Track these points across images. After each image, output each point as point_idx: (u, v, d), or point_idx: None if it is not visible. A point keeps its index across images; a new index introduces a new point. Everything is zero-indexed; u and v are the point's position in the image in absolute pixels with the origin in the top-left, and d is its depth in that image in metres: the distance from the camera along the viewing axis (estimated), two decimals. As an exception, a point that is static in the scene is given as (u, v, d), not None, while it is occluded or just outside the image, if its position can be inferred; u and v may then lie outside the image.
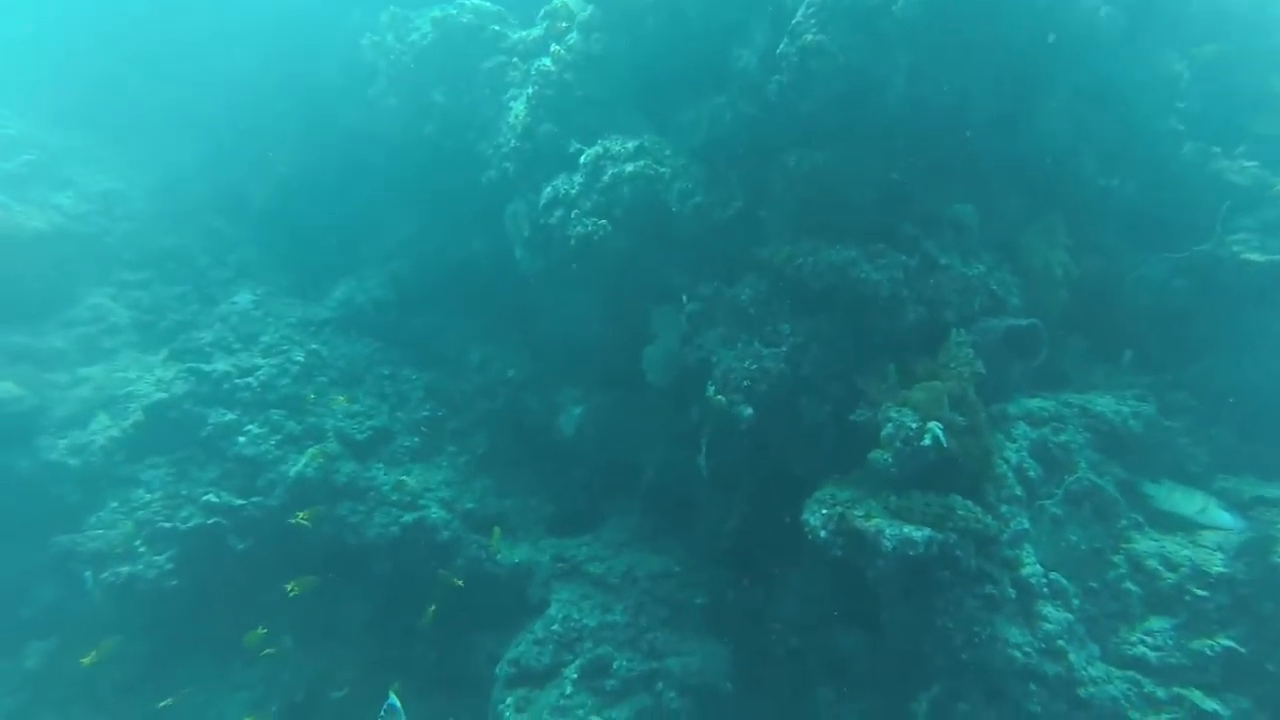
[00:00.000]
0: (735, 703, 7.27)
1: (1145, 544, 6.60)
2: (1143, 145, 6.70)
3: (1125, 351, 6.86)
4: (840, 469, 6.27)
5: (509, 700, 7.04)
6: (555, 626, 7.12)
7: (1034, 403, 7.01)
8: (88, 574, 6.72)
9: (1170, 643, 6.16)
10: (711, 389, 6.06)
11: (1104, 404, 7.05)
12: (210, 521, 6.94)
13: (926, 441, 5.31)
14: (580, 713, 6.72)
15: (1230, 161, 6.57)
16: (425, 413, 8.25)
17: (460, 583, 7.27)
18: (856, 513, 5.68)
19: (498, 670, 7.27)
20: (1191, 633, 6.17)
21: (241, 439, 7.37)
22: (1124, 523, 6.71)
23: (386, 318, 8.52)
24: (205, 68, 9.30)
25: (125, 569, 6.73)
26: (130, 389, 7.62)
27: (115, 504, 7.12)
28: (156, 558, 6.81)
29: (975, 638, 5.94)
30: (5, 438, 7.13)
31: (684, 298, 6.47)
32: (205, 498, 7.06)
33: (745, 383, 5.97)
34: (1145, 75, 6.48)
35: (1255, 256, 6.45)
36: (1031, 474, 6.64)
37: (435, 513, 7.60)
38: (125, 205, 8.88)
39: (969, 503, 5.66)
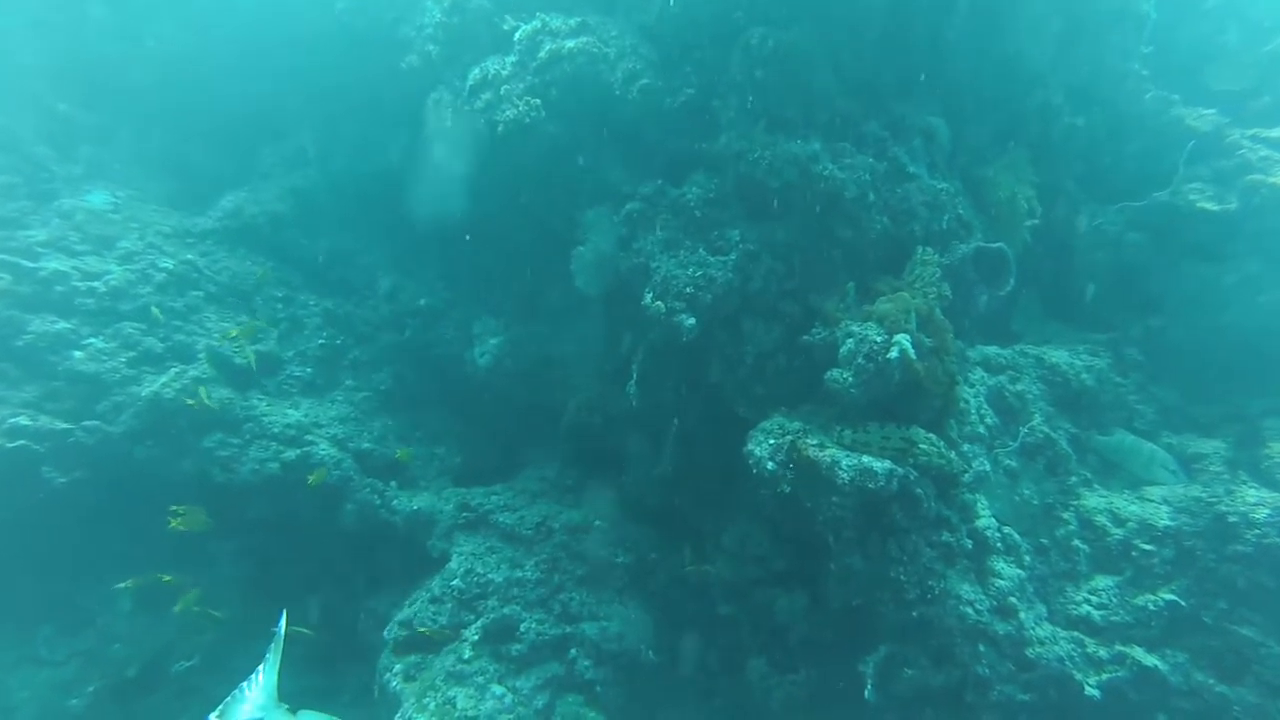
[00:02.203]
0: (657, 675, 6.26)
1: (1094, 500, 6.09)
2: (1107, 85, 6.19)
3: (1088, 286, 6.28)
4: (789, 406, 5.41)
5: (396, 668, 5.80)
6: (455, 582, 5.94)
7: (990, 349, 6.37)
8: None
9: (1114, 600, 5.78)
10: (649, 296, 5.09)
11: (1059, 356, 6.50)
12: (14, 445, 5.37)
13: (893, 354, 4.48)
14: (480, 680, 5.55)
15: (1188, 109, 6.13)
16: (321, 341, 6.92)
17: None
18: (810, 441, 4.80)
19: (386, 633, 6.02)
20: (1136, 588, 5.79)
21: (78, 353, 5.81)
22: (1074, 479, 6.14)
23: (284, 236, 7.16)
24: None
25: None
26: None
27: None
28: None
29: (929, 592, 5.14)
30: None
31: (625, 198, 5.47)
32: (14, 420, 5.50)
33: (689, 290, 5.02)
34: (1115, 10, 5.97)
35: (1210, 205, 6.00)
36: (989, 421, 5.97)
37: (324, 449, 6.29)
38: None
39: (932, 436, 4.86)
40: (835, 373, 4.74)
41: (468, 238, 6.61)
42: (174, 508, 5.65)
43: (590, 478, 6.69)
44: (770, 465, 4.81)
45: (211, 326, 6.47)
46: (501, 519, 6.27)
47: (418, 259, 7.51)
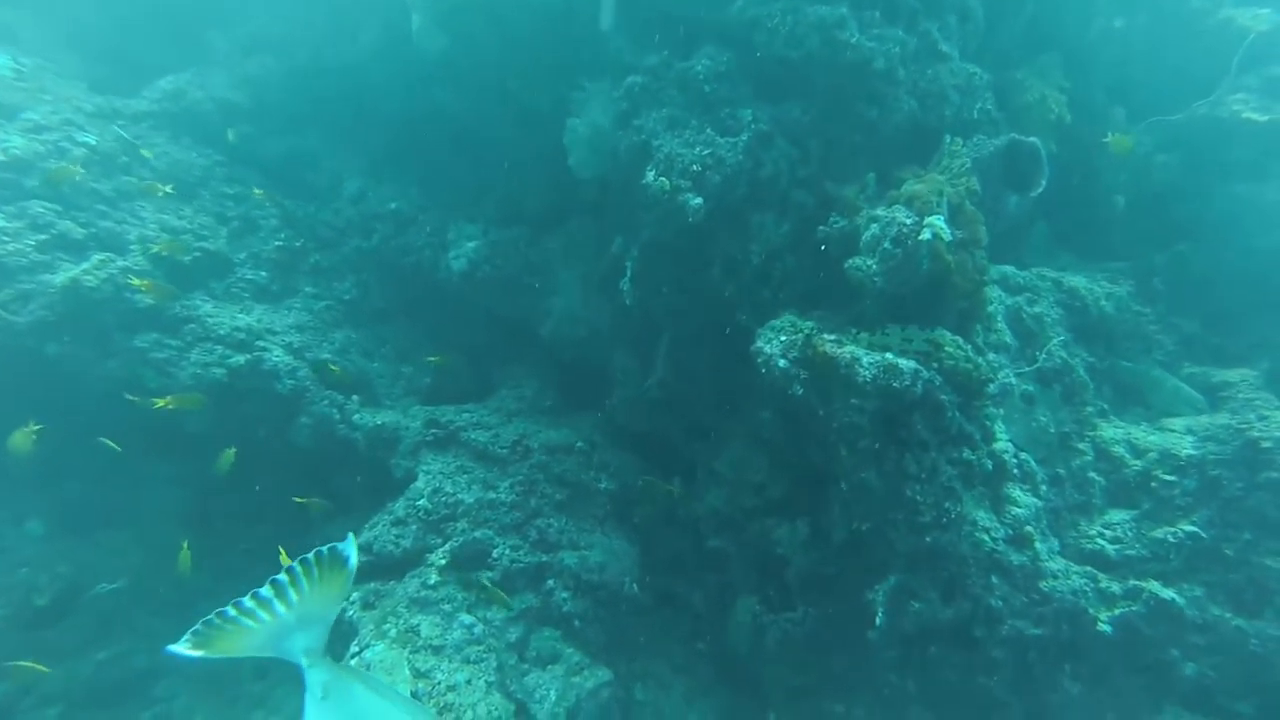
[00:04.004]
0: (640, 612, 5.76)
1: (1111, 431, 5.70)
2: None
3: (1116, 199, 5.85)
4: (798, 312, 4.89)
5: (354, 596, 5.19)
6: (421, 502, 5.33)
7: (1007, 268, 5.92)
8: None
9: (1130, 534, 5.41)
10: (651, 173, 4.48)
11: (1078, 280, 6.08)
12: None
13: (925, 235, 3.95)
14: (447, 608, 4.97)
15: (1240, 9, 5.67)
16: (278, 243, 6.19)
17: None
18: (827, 337, 4.28)
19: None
20: (1153, 521, 5.41)
21: None
22: (1090, 409, 5.75)
23: (239, 129, 6.38)
24: None
25: None
26: None
27: None
28: None
29: (945, 516, 4.68)
30: None
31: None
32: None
33: (695, 168, 4.43)
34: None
35: (1256, 116, 5.58)
36: (1008, 340, 5.53)
37: (276, 356, 5.60)
38: None
39: (958, 339, 4.38)
40: (857, 260, 4.21)
41: (446, 129, 5.93)
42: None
43: (572, 397, 6.12)
44: (782, 363, 4.28)
45: (148, 217, 5.70)
46: (474, 436, 5.66)
47: (387, 163, 6.78)
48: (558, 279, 5.85)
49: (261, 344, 5.63)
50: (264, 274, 6.11)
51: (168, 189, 5.43)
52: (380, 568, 5.24)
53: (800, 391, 4.29)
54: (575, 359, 6.09)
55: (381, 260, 6.41)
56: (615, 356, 5.91)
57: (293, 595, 2.74)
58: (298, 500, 5.47)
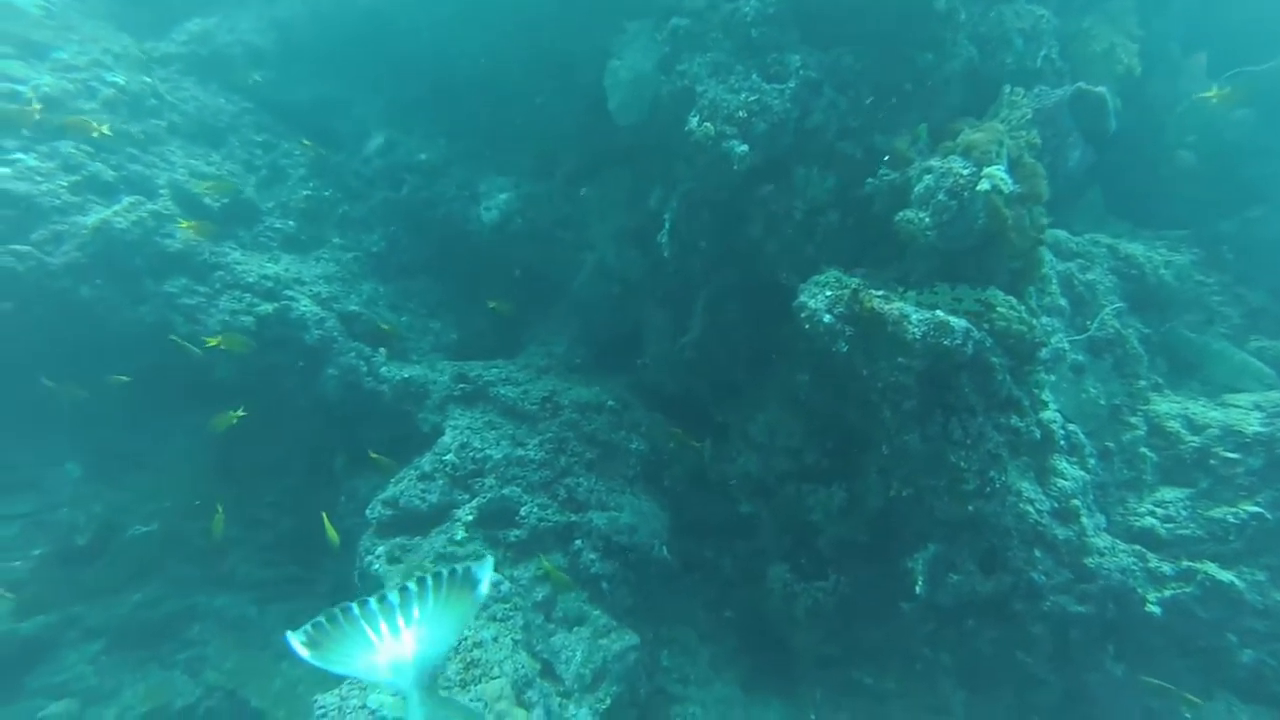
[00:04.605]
0: (670, 577, 5.77)
1: (1167, 406, 5.55)
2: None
3: (1183, 155, 5.62)
4: (842, 270, 4.79)
5: (379, 550, 5.24)
6: (449, 457, 5.35)
7: (1060, 233, 5.75)
8: None
9: (1184, 514, 5.28)
10: (695, 119, 4.39)
11: (1135, 248, 5.90)
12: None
13: (984, 186, 3.82)
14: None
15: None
16: (307, 192, 6.20)
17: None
18: (874, 293, 4.19)
19: (368, 512, 5.45)
20: (1212, 501, 5.27)
21: (4, 169, 4.93)
22: (1143, 382, 5.60)
23: (267, 75, 6.38)
24: None
25: None
26: None
27: None
28: None
29: (989, 485, 4.60)
30: None
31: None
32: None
33: (741, 114, 4.32)
34: None
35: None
36: (1062, 305, 5.39)
37: (304, 306, 5.63)
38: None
39: (1011, 299, 4.26)
40: (908, 214, 4.09)
41: (476, 78, 5.84)
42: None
43: (603, 355, 6.10)
44: (826, 318, 4.20)
45: (177, 161, 5.72)
46: (503, 391, 5.66)
47: (416, 112, 6.70)
48: (591, 232, 5.79)
49: (289, 293, 5.66)
50: (292, 223, 6.12)
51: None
52: (407, 522, 5.29)
53: (844, 349, 4.21)
54: (607, 316, 6.05)
55: (410, 212, 6.39)
56: (648, 314, 5.86)
57: (416, 610, 2.59)
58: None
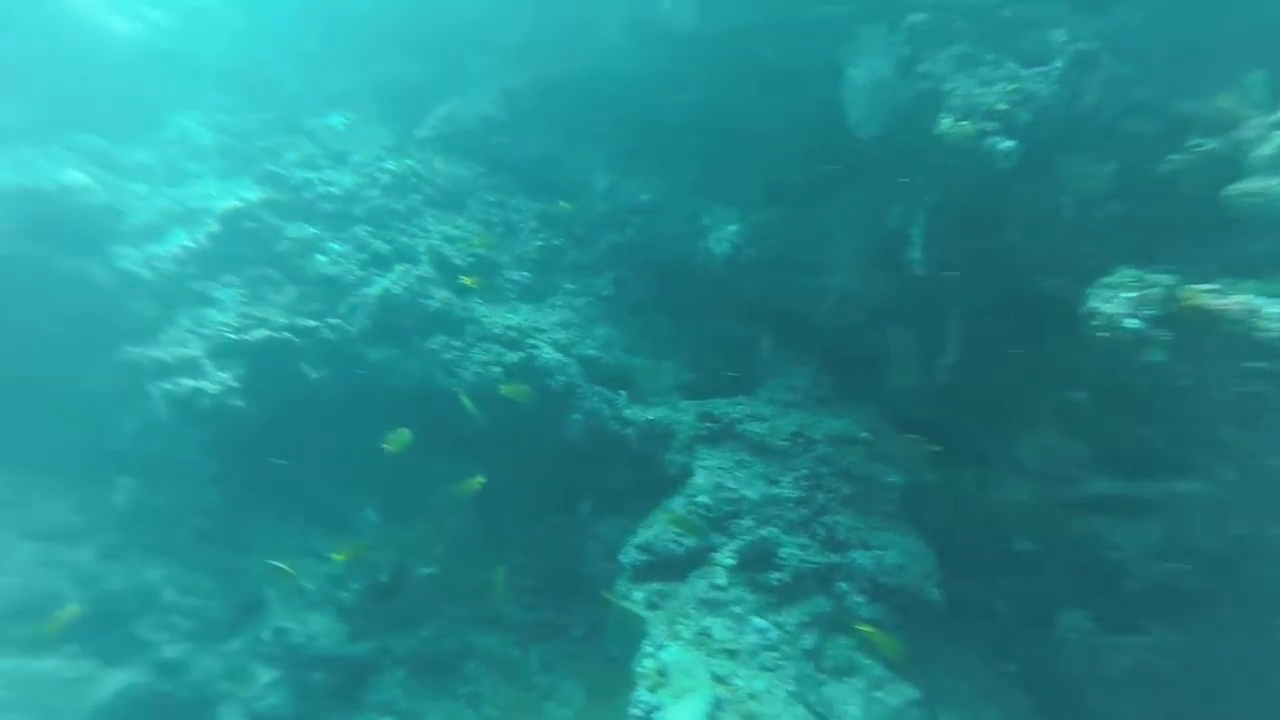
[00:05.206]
0: (944, 620, 5.30)
1: None
2: None
3: None
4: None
5: (638, 596, 5.30)
6: (703, 499, 5.35)
7: None
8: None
9: None
10: (947, 121, 4.10)
11: None
12: (280, 336, 5.66)
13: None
14: (737, 610, 4.93)
15: None
16: (538, 243, 6.69)
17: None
18: (1199, 288, 3.60)
19: (622, 558, 5.57)
20: None
21: (322, 257, 6.05)
22: None
23: (497, 140, 7.01)
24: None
25: (189, 382, 5.57)
26: (209, 204, 6.51)
27: (187, 322, 6.00)
28: (222, 374, 5.60)
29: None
30: (82, 242, 6.26)
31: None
32: (277, 319, 5.80)
33: (1000, 107, 3.97)
34: None
35: None
36: None
37: (547, 354, 6.00)
38: (214, 23, 7.83)
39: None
40: (1243, 186, 3.49)
41: (693, 112, 5.96)
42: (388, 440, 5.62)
43: (849, 385, 5.85)
44: (1131, 324, 3.66)
45: (431, 229, 6.44)
46: (750, 429, 5.59)
47: (634, 155, 7.00)
48: (828, 256, 5.62)
49: (531, 342, 6.07)
50: (527, 274, 6.60)
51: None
52: (663, 567, 5.31)
53: (1160, 358, 3.65)
54: (849, 343, 5.81)
55: (636, 253, 6.63)
56: (893, 337, 5.55)
57: None
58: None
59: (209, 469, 6.36)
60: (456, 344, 5.96)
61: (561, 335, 6.21)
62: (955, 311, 5.17)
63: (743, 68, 5.65)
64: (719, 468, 5.46)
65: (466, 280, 5.92)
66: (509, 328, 6.03)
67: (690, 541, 5.22)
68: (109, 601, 5.70)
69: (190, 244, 6.33)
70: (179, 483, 6.37)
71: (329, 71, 7.75)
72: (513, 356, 5.91)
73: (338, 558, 5.71)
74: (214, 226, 6.35)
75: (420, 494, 6.38)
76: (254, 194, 6.54)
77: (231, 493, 6.43)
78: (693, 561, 5.24)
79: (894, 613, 5.07)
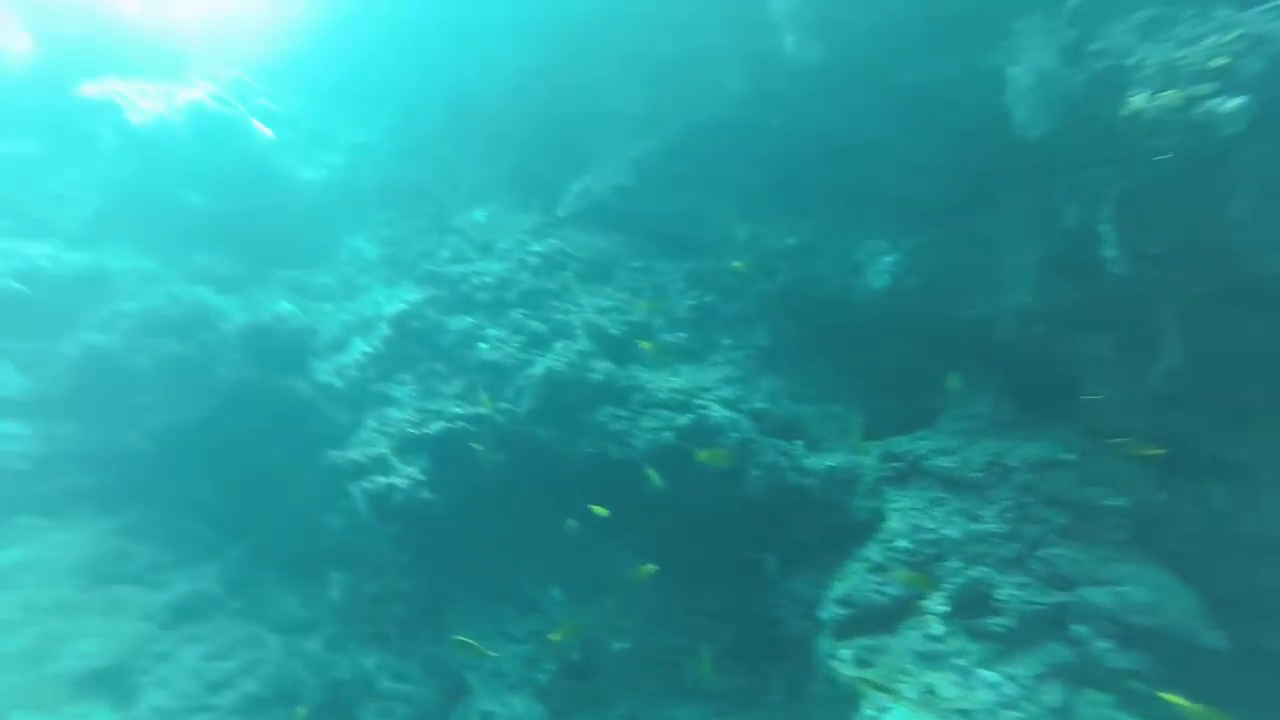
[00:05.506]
0: (1223, 673, 4.55)
1: None
2: None
3: None
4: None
5: (845, 654, 5.02)
6: (901, 543, 5.04)
7: None
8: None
9: None
10: (1140, 97, 3.75)
11: None
12: (456, 426, 6.02)
13: None
14: (961, 662, 4.54)
15: None
16: (689, 303, 6.74)
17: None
18: None
19: (821, 614, 5.32)
20: None
21: (483, 345, 6.42)
22: None
23: (631, 207, 7.21)
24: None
25: (382, 479, 6.06)
26: (379, 311, 7.18)
27: (373, 422, 6.54)
28: (408, 468, 6.03)
29: None
30: (287, 361, 7.29)
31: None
32: (451, 410, 6.17)
33: (1219, 61, 3.57)
34: None
35: None
36: None
37: (717, 412, 5.95)
38: (373, 153, 8.75)
39: None
40: None
41: (824, 149, 5.87)
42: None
43: (1037, 406, 5.38)
44: None
45: (584, 303, 6.66)
46: (939, 463, 5.26)
47: (769, 201, 6.96)
48: (998, 270, 5.27)
49: (699, 402, 6.05)
50: (683, 335, 6.64)
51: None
52: (867, 620, 5.03)
53: None
54: (1030, 360, 5.38)
55: (789, 299, 6.53)
56: (1083, 348, 5.08)
57: None
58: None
59: (404, 559, 6.78)
60: (624, 414, 6.05)
61: (727, 392, 6.18)
62: (1166, 308, 4.67)
63: (874, 92, 5.53)
64: (912, 508, 5.16)
65: (644, 345, 6.07)
66: (674, 391, 6.07)
67: (894, 590, 4.90)
68: (338, 690, 6.11)
69: (369, 350, 6.95)
70: (381, 574, 6.82)
71: (466, 169, 8.39)
72: (682, 419, 5.92)
73: (555, 638, 5.76)
74: (386, 330, 6.94)
75: (602, 568, 6.43)
76: (416, 295, 7.12)
77: (425, 580, 6.81)
78: (900, 611, 4.93)
79: (1160, 663, 4.46)
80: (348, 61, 9.18)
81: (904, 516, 5.14)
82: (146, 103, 7.55)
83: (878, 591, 4.98)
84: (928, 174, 5.77)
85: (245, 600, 7.06)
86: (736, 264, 6.25)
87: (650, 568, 5.54)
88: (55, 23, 7.69)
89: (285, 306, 7.41)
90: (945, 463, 5.27)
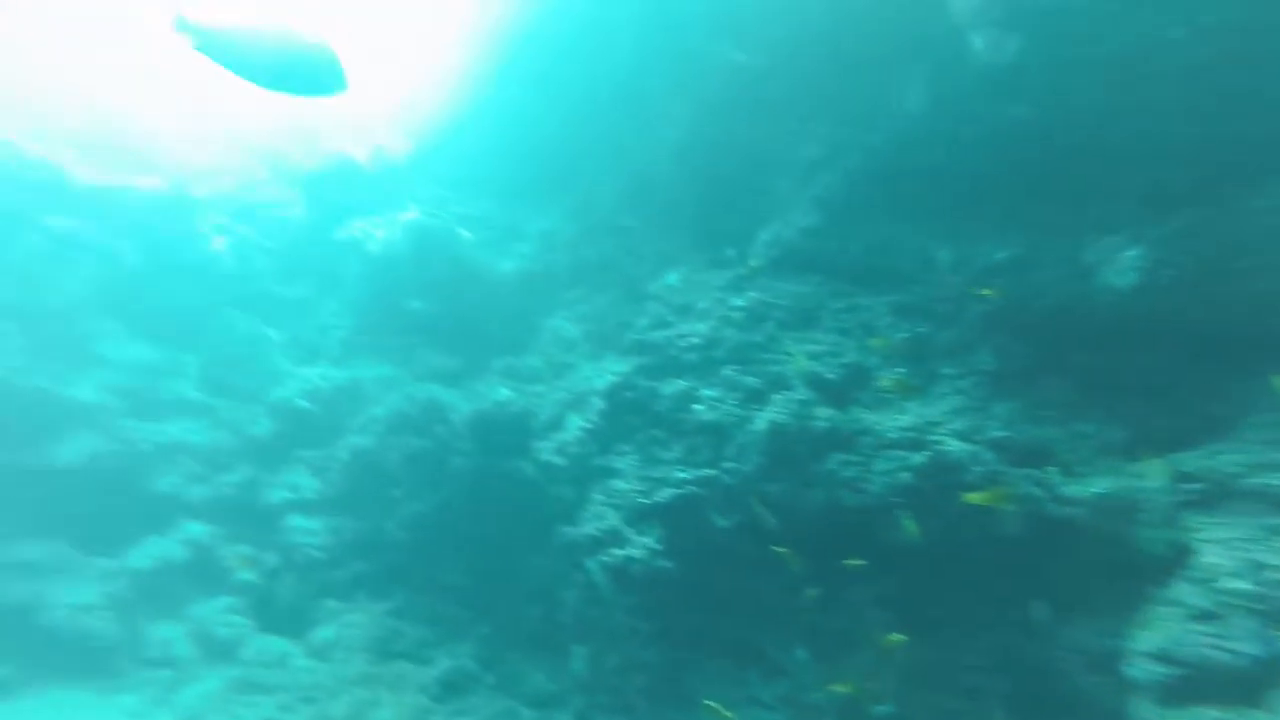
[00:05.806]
0: None
1: None
2: None
3: None
4: None
5: None
6: (1238, 584, 4.24)
7: None
8: None
9: None
10: None
11: None
12: (685, 491, 6.06)
13: None
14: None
15: None
16: (902, 336, 6.41)
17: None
18: None
19: (1130, 671, 4.61)
20: None
21: (699, 406, 6.46)
22: None
23: (822, 246, 7.06)
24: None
25: (619, 551, 6.21)
26: (590, 385, 7.50)
27: (600, 496, 6.76)
28: (644, 538, 6.12)
29: None
30: (510, 445, 7.82)
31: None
32: (676, 474, 6.25)
33: None
34: None
35: None
36: None
37: (953, 446, 5.53)
38: (557, 237, 9.36)
39: None
40: None
41: (1026, 152, 5.42)
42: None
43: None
44: None
45: (794, 351, 6.54)
46: (1266, 481, 4.46)
47: (967, 217, 6.55)
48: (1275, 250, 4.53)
49: (932, 438, 5.67)
50: (902, 370, 6.31)
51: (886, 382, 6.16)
52: (1202, 684, 4.25)
53: None
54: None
55: (1010, 316, 6.03)
56: None
57: None
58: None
59: (643, 628, 6.84)
60: (855, 458, 5.80)
61: (960, 423, 5.75)
62: None
63: (1079, 73, 5.06)
64: (1239, 539, 4.38)
65: (885, 383, 5.89)
66: (904, 429, 5.75)
67: (1246, 647, 4.13)
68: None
69: (586, 425, 7.24)
70: (620, 644, 6.93)
71: (648, 236, 8.70)
72: (917, 458, 5.57)
73: (840, 689, 5.51)
74: (600, 404, 7.21)
75: (847, 624, 6.10)
76: (623, 365, 7.36)
77: (666, 648, 6.82)
78: (1260, 676, 4.08)
79: None
80: (525, 156, 10.00)
81: (1228, 550, 4.37)
82: (379, 232, 8.75)
83: (1214, 647, 4.21)
84: (1164, 155, 5.15)
85: (497, 675, 7.55)
86: (987, 292, 5.82)
87: (898, 637, 5.20)
88: (317, 183, 9.36)
89: (504, 392, 7.99)
90: (1270, 480, 4.46)
